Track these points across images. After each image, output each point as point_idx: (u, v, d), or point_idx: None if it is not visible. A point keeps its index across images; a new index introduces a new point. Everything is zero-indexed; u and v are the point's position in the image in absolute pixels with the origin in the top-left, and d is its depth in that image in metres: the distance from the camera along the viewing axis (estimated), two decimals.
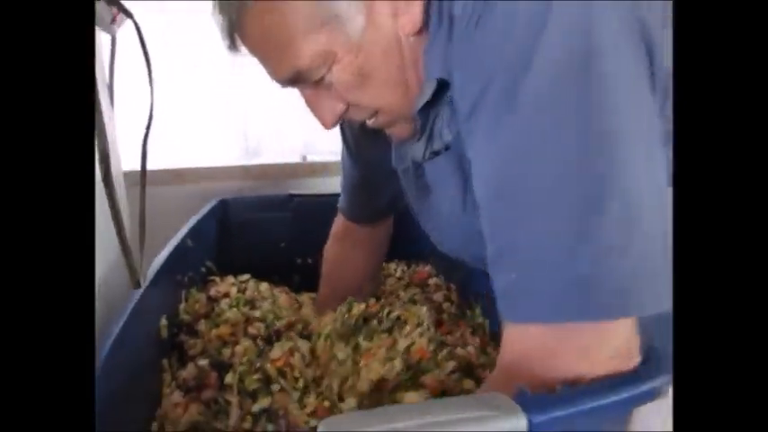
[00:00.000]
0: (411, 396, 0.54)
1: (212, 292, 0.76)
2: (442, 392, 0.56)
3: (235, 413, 0.52)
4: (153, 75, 0.62)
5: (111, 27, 0.63)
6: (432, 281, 0.92)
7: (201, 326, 0.68)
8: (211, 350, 0.63)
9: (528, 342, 0.39)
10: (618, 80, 0.35)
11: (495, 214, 0.40)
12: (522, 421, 0.31)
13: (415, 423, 0.28)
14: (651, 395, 0.35)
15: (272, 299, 0.78)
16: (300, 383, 0.57)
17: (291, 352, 0.62)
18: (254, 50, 0.47)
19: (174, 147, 1.18)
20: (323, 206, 0.98)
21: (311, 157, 1.35)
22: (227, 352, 0.62)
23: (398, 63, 0.46)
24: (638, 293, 0.36)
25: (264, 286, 0.82)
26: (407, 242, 1.00)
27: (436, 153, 0.50)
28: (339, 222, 0.86)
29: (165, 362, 0.61)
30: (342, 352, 0.61)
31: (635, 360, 0.38)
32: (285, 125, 1.35)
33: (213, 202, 0.92)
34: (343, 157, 0.78)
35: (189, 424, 0.53)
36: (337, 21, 0.42)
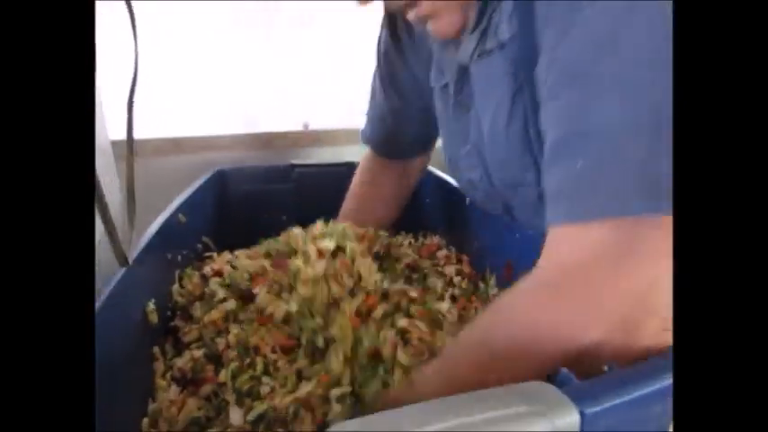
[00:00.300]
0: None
1: (206, 270, 0.69)
2: None
3: (236, 413, 0.47)
4: (137, 29, 0.56)
5: None
6: (440, 253, 0.87)
7: (197, 310, 0.61)
8: (207, 339, 0.57)
9: (590, 243, 0.34)
10: None
11: (567, 101, 0.37)
12: (573, 416, 0.26)
13: (451, 424, 0.23)
14: None
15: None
16: (291, 380, 0.51)
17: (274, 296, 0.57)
18: None
19: (170, 115, 1.12)
20: (327, 177, 0.94)
21: (314, 126, 1.29)
22: (221, 341, 0.56)
23: None
24: None
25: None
26: (415, 213, 0.97)
27: (486, 53, 0.47)
28: (367, 156, 0.84)
29: (156, 350, 0.56)
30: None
31: None
32: (286, 91, 1.28)
33: (210, 173, 0.87)
34: (373, 88, 0.77)
35: (187, 421, 0.48)
36: None
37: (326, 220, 0.68)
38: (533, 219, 0.57)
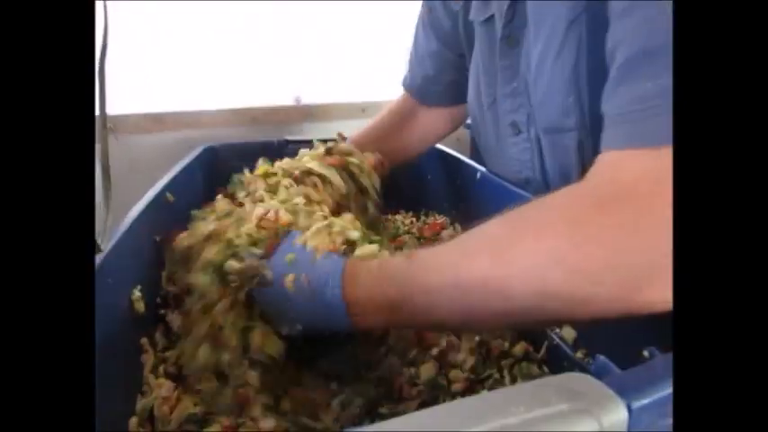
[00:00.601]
0: None
1: None
2: None
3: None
4: None
5: None
6: (446, 232, 0.83)
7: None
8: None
9: (654, 168, 0.32)
10: None
11: (642, 17, 0.35)
12: (621, 412, 0.22)
13: (489, 426, 0.19)
14: None
15: None
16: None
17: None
18: None
19: (150, 89, 1.05)
20: None
21: (306, 100, 1.24)
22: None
23: None
24: None
25: None
26: (416, 191, 0.93)
27: None
28: (398, 99, 0.86)
29: (145, 341, 0.51)
30: None
31: None
32: (276, 64, 1.21)
33: (198, 150, 0.82)
34: (417, 30, 0.80)
35: (182, 419, 0.44)
36: None
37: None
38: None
